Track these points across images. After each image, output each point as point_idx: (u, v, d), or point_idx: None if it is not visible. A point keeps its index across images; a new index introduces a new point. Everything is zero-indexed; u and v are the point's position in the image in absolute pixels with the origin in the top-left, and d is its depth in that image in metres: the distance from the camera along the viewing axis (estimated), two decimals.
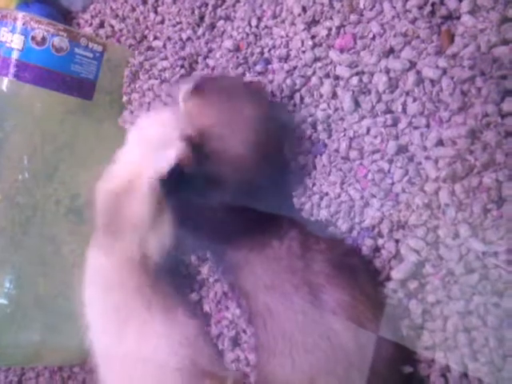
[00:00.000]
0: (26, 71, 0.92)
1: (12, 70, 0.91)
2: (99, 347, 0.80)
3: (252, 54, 0.83)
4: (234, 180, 0.65)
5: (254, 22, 0.85)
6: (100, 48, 0.99)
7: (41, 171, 0.94)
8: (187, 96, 0.69)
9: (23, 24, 0.91)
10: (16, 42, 0.91)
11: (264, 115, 0.67)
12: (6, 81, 0.92)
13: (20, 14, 0.91)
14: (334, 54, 0.73)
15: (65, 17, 1.16)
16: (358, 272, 0.63)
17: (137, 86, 1.00)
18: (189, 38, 0.95)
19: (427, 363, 0.62)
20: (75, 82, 0.97)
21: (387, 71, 0.68)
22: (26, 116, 0.95)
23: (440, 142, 0.63)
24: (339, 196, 0.68)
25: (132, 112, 1.00)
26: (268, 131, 0.67)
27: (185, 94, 0.69)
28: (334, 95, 0.73)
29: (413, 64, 0.67)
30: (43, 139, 0.95)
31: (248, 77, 0.83)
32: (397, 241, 0.64)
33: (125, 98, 1.01)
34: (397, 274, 0.62)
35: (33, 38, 0.91)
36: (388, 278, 0.63)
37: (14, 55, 0.91)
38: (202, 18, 0.94)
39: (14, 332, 0.93)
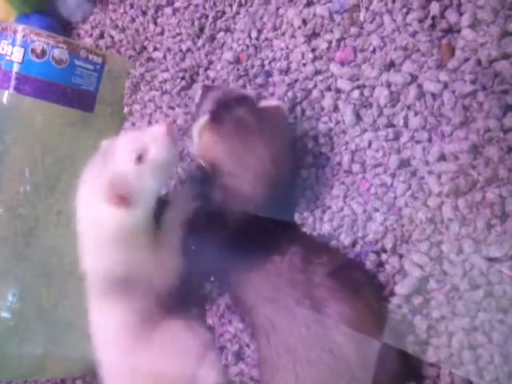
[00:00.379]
0: (27, 84, 0.92)
1: (12, 82, 0.91)
2: (108, 361, 0.79)
3: (252, 66, 0.83)
4: (240, 211, 0.65)
5: (254, 34, 0.84)
6: (100, 60, 0.98)
7: (42, 183, 0.94)
8: (203, 130, 0.69)
9: (23, 36, 0.91)
10: (16, 54, 0.91)
11: (279, 149, 0.67)
12: (6, 94, 0.92)
13: (20, 27, 0.91)
14: (334, 67, 0.73)
15: (65, 28, 1.16)
16: (361, 285, 0.62)
17: (138, 97, 1.00)
18: (189, 50, 0.94)
19: (432, 379, 0.62)
20: (76, 94, 0.97)
21: (388, 85, 0.68)
22: (26, 128, 0.95)
23: (442, 157, 0.63)
24: (342, 210, 0.68)
25: (133, 123, 1.00)
26: (282, 165, 0.67)
27: (200, 129, 0.69)
28: (336, 108, 0.73)
29: (414, 78, 0.66)
30: (44, 151, 0.95)
31: (249, 89, 0.82)
32: (400, 256, 0.63)
33: (126, 110, 1.01)
34: (401, 289, 0.61)
35: (33, 51, 0.91)
36: (392, 293, 0.63)
37: (15, 68, 0.91)
38: (201, 30, 0.94)
39: (17, 345, 0.93)
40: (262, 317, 0.66)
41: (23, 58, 0.91)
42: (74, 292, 0.95)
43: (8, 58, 0.92)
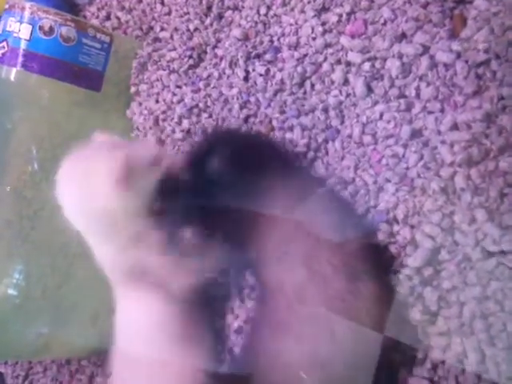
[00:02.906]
0: (34, 61, 0.92)
1: (20, 59, 0.91)
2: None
3: (261, 43, 0.83)
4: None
5: (262, 11, 0.84)
6: (108, 39, 0.98)
7: (48, 163, 0.93)
8: None
9: (31, 14, 0.90)
10: (24, 31, 0.91)
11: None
12: (14, 71, 0.91)
13: (27, 4, 0.90)
14: (345, 40, 0.72)
15: (71, 9, 1.15)
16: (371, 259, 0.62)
17: (145, 77, 0.99)
18: (196, 29, 0.94)
19: (442, 349, 0.62)
20: (83, 72, 0.96)
21: (400, 56, 0.67)
22: (33, 106, 0.94)
23: (455, 127, 0.62)
24: (353, 181, 0.67)
25: (140, 103, 1.00)
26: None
27: None
28: (346, 81, 0.72)
29: (426, 48, 0.66)
30: (51, 130, 0.95)
31: (257, 66, 0.82)
32: (412, 226, 0.63)
33: (133, 89, 1.01)
34: (414, 261, 0.61)
35: (40, 28, 0.91)
36: (403, 265, 0.63)
37: (22, 45, 0.91)
38: (209, 8, 0.93)
39: (23, 324, 0.92)
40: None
41: (31, 35, 0.91)
42: (80, 274, 0.95)
43: (15, 35, 0.91)
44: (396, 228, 0.64)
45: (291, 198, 0.64)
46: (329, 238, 0.60)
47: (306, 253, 0.61)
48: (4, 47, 0.93)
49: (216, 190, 0.66)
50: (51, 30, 0.92)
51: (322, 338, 0.60)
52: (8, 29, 0.91)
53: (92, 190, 0.65)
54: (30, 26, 0.90)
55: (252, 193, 0.64)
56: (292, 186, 0.65)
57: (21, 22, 0.91)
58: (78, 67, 0.95)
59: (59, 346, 0.98)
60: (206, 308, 0.76)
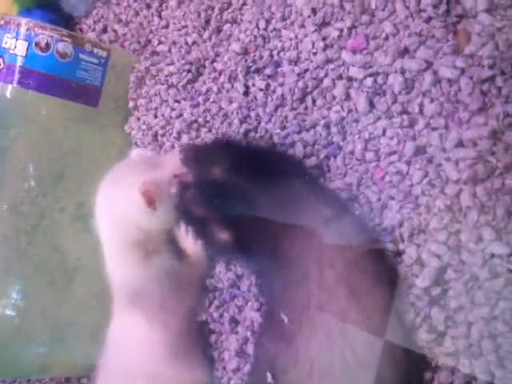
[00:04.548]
0: (30, 78, 0.91)
1: (16, 76, 0.90)
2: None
3: (261, 57, 0.82)
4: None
5: (262, 25, 0.83)
6: (105, 53, 0.97)
7: (45, 179, 0.93)
8: None
9: (27, 30, 0.89)
10: (20, 48, 0.90)
11: None
12: (10, 88, 0.90)
13: (23, 20, 0.90)
14: (346, 55, 0.72)
15: (67, 22, 1.14)
16: (378, 277, 0.61)
17: (143, 91, 0.98)
18: (194, 42, 0.93)
19: (450, 370, 0.61)
20: (81, 88, 0.95)
21: (403, 72, 0.67)
22: (30, 123, 0.93)
23: (460, 144, 0.61)
24: (356, 198, 0.66)
25: (139, 118, 0.99)
26: None
27: None
28: (348, 97, 0.71)
29: (429, 64, 0.65)
30: (48, 147, 0.94)
31: (257, 80, 0.81)
32: (418, 245, 0.62)
33: (131, 104, 1.00)
34: (422, 282, 0.60)
35: (37, 44, 0.90)
36: (410, 285, 0.62)
37: (18, 62, 0.90)
38: (207, 22, 0.93)
39: (21, 344, 0.91)
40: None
41: (27, 51, 0.90)
42: (79, 290, 0.94)
43: (12, 51, 0.90)
44: (402, 246, 0.63)
45: (304, 209, 0.63)
46: (336, 258, 0.59)
47: (316, 264, 0.60)
48: (0, 64, 0.92)
49: (234, 200, 0.67)
50: (47, 46, 0.91)
51: (328, 348, 0.59)
52: (4, 45, 0.90)
53: (124, 204, 0.75)
54: (26, 43, 0.90)
55: (266, 201, 0.64)
56: (304, 196, 0.65)
57: (17, 38, 0.90)
58: (75, 83, 0.94)
59: (58, 364, 0.97)
60: (197, 335, 0.79)
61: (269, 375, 0.61)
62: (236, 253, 0.69)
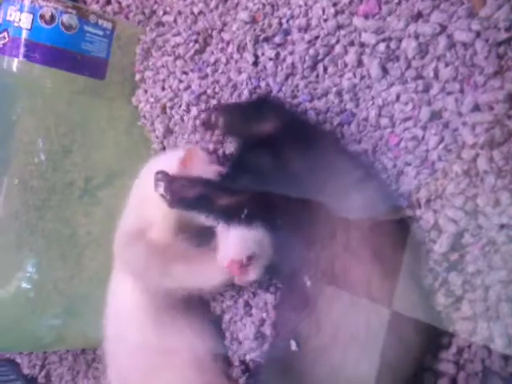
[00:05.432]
0: (36, 51, 0.90)
1: (22, 50, 0.89)
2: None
3: (270, 26, 0.81)
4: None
5: None
6: (110, 25, 0.96)
7: (54, 153, 0.92)
8: None
9: (31, 2, 0.88)
10: (24, 21, 0.88)
11: None
12: (15, 61, 0.89)
13: None
14: (358, 21, 0.70)
15: None
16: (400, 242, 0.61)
17: (150, 63, 0.97)
18: (201, 12, 0.92)
19: (467, 334, 0.61)
20: (86, 60, 0.94)
21: (416, 36, 0.66)
22: (36, 97, 0.92)
23: (476, 108, 0.61)
24: (372, 164, 0.66)
25: (146, 91, 0.98)
26: None
27: None
28: (360, 63, 0.71)
29: (443, 28, 0.64)
30: (55, 120, 0.93)
31: (267, 49, 0.80)
32: (435, 211, 0.62)
33: (138, 77, 0.99)
34: (440, 247, 0.60)
35: (41, 17, 0.89)
36: (427, 250, 0.62)
37: (23, 35, 0.88)
38: None
39: (37, 316, 0.92)
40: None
41: (32, 24, 0.89)
42: (91, 264, 0.94)
43: (16, 24, 0.89)
44: (419, 212, 0.63)
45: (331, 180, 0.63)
46: (362, 221, 0.59)
47: (343, 225, 0.60)
48: (5, 37, 0.91)
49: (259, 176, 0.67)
50: (52, 18, 0.89)
51: (352, 311, 0.60)
52: (8, 18, 0.89)
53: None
54: (31, 15, 0.88)
55: (301, 161, 0.64)
56: (335, 158, 0.65)
57: (21, 10, 0.88)
58: (80, 55, 0.93)
59: (73, 336, 0.98)
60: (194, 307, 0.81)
61: (293, 343, 0.62)
62: (263, 216, 0.68)
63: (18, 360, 1.22)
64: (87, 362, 1.08)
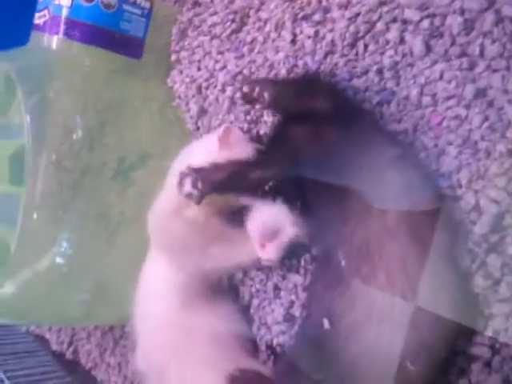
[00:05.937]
0: (76, 29, 0.91)
1: (62, 27, 0.90)
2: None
3: (309, 3, 0.80)
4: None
5: None
6: (148, 4, 0.96)
7: (90, 132, 0.93)
8: None
9: None
10: None
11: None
12: (55, 39, 0.91)
13: None
14: None
15: None
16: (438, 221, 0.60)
17: (186, 43, 0.97)
18: None
19: (504, 316, 0.60)
20: (124, 39, 0.95)
21: (462, 12, 0.64)
22: (75, 75, 0.93)
23: None
24: (412, 144, 0.65)
25: (181, 71, 0.98)
26: None
27: None
28: (402, 41, 0.69)
29: (491, 2, 0.62)
30: (92, 98, 0.94)
31: (305, 27, 0.79)
32: (476, 191, 0.61)
33: (173, 57, 0.99)
34: (481, 228, 0.59)
35: None
36: (467, 231, 0.60)
37: (64, 13, 0.90)
38: None
39: (68, 291, 0.93)
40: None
41: (72, 2, 0.90)
42: (122, 242, 0.95)
43: (57, 2, 0.90)
44: (459, 192, 0.61)
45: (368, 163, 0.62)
46: (398, 204, 0.58)
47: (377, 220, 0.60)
48: (45, 15, 0.92)
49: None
50: None
51: (387, 289, 0.59)
52: None
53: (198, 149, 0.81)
54: None
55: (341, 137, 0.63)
56: (372, 134, 0.64)
57: None
58: (119, 34, 0.94)
59: (102, 313, 0.99)
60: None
61: (326, 321, 0.61)
62: (296, 192, 0.68)
63: (47, 336, 1.25)
64: (115, 339, 1.09)
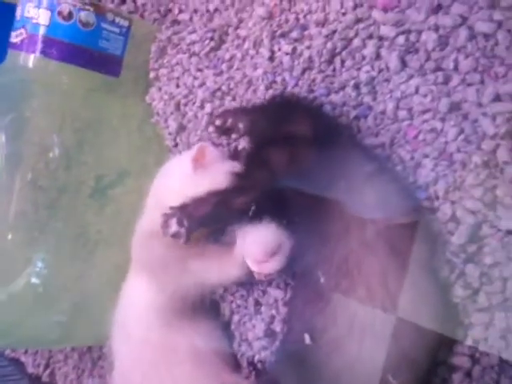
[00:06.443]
0: (53, 47, 0.90)
1: (39, 46, 0.89)
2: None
3: (287, 21, 0.81)
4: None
5: None
6: (126, 23, 0.96)
7: (67, 151, 0.92)
8: None
9: None
10: (42, 17, 0.89)
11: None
12: (32, 57, 0.90)
13: None
14: (377, 14, 0.71)
15: None
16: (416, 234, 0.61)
17: (165, 61, 0.98)
18: (217, 9, 0.92)
19: (484, 326, 0.60)
20: (102, 57, 0.95)
21: (436, 28, 0.66)
22: (52, 93, 0.92)
23: (497, 98, 0.61)
24: (389, 158, 0.66)
25: (160, 88, 0.98)
26: None
27: None
28: (378, 56, 0.70)
29: (464, 19, 0.64)
30: (69, 117, 0.93)
31: (283, 44, 0.80)
32: (453, 202, 0.61)
33: (152, 75, 0.99)
34: (457, 239, 0.59)
35: (59, 13, 0.89)
36: (445, 242, 0.61)
37: (41, 31, 0.89)
38: None
39: (44, 312, 0.91)
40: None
41: (50, 20, 0.89)
42: (100, 262, 0.94)
43: (34, 21, 0.90)
44: (436, 204, 0.62)
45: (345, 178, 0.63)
46: (376, 217, 0.59)
47: (357, 219, 0.60)
48: (22, 34, 0.92)
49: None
50: (70, 14, 0.90)
51: (368, 303, 0.59)
52: (26, 15, 0.90)
53: (172, 171, 0.81)
54: (49, 12, 0.89)
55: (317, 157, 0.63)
56: (348, 151, 0.64)
57: (39, 7, 0.89)
58: (97, 52, 0.94)
59: (80, 334, 0.97)
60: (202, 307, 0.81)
61: (307, 336, 0.61)
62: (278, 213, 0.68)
63: (23, 359, 1.21)
64: (93, 361, 1.07)
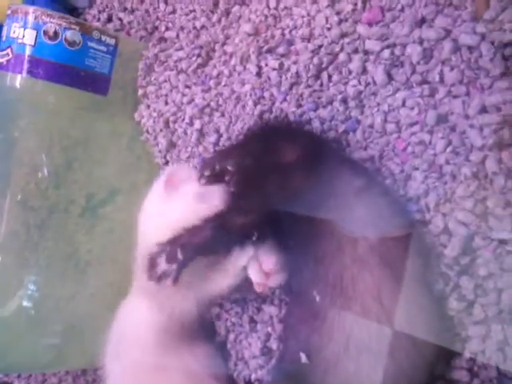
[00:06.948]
0: (40, 67, 0.90)
1: (25, 66, 0.89)
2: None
3: (273, 37, 0.81)
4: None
5: (272, 4, 0.83)
6: (113, 41, 0.96)
7: (56, 170, 0.91)
8: None
9: (34, 18, 0.88)
10: (28, 37, 0.89)
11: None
12: (19, 78, 0.89)
13: (31, 8, 0.89)
14: (362, 29, 0.71)
15: (71, 13, 1.13)
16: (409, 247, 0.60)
17: (152, 78, 0.97)
18: (203, 26, 0.92)
19: (480, 338, 0.60)
20: (90, 76, 0.94)
21: (421, 41, 0.66)
22: (40, 113, 0.92)
23: (483, 109, 0.61)
24: (378, 171, 0.66)
25: (148, 106, 0.98)
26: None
27: None
28: (364, 70, 0.71)
29: (448, 32, 0.65)
30: (58, 136, 0.93)
31: (270, 60, 0.80)
32: (444, 214, 0.61)
33: (140, 92, 0.99)
34: (451, 251, 0.59)
35: (45, 33, 0.89)
36: (438, 254, 0.61)
37: (27, 51, 0.89)
38: (216, 5, 0.92)
39: (36, 336, 0.90)
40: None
41: (35, 40, 0.89)
42: (92, 282, 0.93)
43: (20, 41, 0.89)
44: (428, 216, 0.62)
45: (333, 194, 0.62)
46: (367, 232, 0.59)
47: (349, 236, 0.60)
48: (8, 54, 0.91)
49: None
50: (56, 34, 0.90)
51: (364, 320, 0.59)
52: (12, 35, 0.89)
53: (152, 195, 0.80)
54: (35, 31, 0.89)
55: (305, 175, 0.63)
56: (336, 168, 0.64)
57: (25, 27, 0.89)
58: (84, 71, 0.93)
59: (74, 356, 0.96)
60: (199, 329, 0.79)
61: (303, 355, 0.60)
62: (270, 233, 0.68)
63: (16, 383, 1.19)
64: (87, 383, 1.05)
